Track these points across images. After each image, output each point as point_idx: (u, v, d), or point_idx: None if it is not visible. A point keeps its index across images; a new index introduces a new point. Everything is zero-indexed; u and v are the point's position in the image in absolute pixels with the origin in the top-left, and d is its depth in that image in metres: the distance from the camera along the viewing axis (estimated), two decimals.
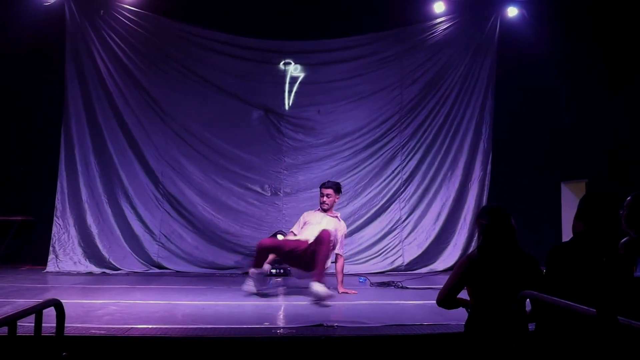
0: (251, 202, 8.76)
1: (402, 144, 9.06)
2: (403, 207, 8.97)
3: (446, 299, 3.08)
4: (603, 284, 2.12)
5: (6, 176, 8.66)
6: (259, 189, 8.84)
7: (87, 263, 8.14)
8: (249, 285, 5.92)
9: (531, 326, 2.86)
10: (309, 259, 5.84)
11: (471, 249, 8.46)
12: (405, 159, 9.05)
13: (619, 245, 2.42)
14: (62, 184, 8.39)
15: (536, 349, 2.63)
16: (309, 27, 8.95)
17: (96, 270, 8.07)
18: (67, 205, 8.35)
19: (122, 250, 8.32)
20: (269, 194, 8.84)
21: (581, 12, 8.10)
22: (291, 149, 8.96)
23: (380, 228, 8.88)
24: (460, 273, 3.01)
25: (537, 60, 8.64)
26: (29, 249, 8.69)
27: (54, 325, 2.90)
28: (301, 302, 5.74)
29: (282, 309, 5.51)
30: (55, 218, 8.28)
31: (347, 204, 8.84)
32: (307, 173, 8.93)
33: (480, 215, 3.21)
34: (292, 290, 6.60)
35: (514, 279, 2.89)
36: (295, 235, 6.45)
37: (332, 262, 6.37)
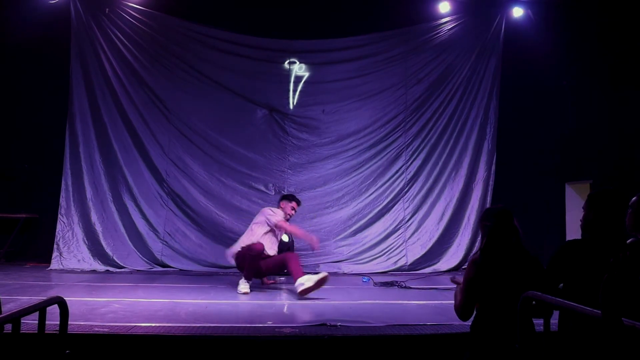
0: (255, 201, 8.72)
1: (406, 143, 9.03)
2: (407, 207, 8.94)
3: (466, 312, 3.01)
4: (608, 285, 2.10)
5: (11, 174, 8.67)
6: (263, 188, 8.83)
7: (91, 261, 8.15)
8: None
9: (538, 327, 2.83)
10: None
11: (474, 250, 8.45)
12: (409, 158, 9.03)
13: (625, 245, 2.39)
14: (67, 182, 8.41)
15: (539, 350, 2.61)
16: (314, 27, 8.95)
17: (100, 268, 8.08)
18: (72, 203, 8.37)
19: (126, 248, 8.33)
20: (273, 193, 8.81)
21: (586, 12, 8.06)
22: (295, 148, 8.94)
23: (383, 228, 8.85)
24: (469, 279, 2.98)
25: (542, 61, 8.61)
26: (33, 247, 8.72)
27: (58, 323, 2.90)
28: (304, 301, 5.74)
29: (285, 308, 5.51)
30: (59, 216, 8.30)
31: (351, 203, 8.84)
32: (311, 172, 8.91)
33: (484, 217, 3.19)
34: (294, 290, 6.59)
35: (519, 280, 2.88)
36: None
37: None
